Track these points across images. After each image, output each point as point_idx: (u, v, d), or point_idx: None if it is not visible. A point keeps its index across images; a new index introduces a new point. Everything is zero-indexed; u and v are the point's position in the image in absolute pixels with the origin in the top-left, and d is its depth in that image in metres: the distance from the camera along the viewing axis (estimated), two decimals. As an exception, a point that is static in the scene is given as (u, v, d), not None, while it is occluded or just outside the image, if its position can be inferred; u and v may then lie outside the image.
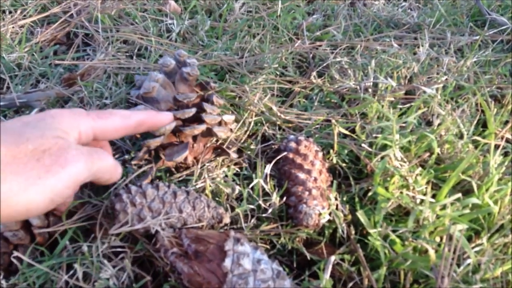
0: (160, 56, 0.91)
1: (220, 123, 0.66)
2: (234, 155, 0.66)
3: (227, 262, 0.49)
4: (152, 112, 0.59)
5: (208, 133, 0.65)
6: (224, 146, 0.68)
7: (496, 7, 1.07)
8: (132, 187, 0.57)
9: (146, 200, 0.56)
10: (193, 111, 0.63)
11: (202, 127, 0.63)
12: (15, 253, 0.52)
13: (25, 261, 0.52)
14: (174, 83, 0.68)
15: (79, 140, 0.48)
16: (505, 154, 0.69)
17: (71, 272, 0.53)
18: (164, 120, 0.59)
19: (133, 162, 0.64)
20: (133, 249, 0.56)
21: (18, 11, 1.02)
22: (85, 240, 0.57)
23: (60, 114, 0.47)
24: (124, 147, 0.70)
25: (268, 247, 0.60)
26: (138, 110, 0.59)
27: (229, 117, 0.67)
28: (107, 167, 0.50)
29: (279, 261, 0.60)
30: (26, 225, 0.55)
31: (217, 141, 0.70)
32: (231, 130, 0.71)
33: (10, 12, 1.03)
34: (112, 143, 0.68)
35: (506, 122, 0.74)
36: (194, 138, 0.65)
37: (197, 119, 0.64)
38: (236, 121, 0.73)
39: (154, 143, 0.61)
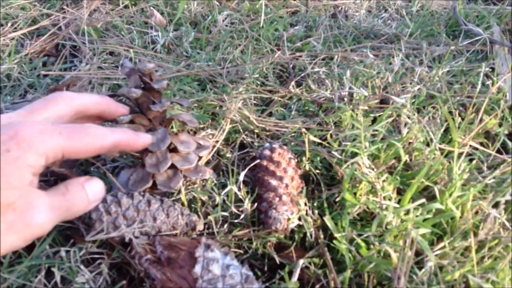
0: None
1: (196, 166, 0.66)
2: (210, 175, 0.67)
3: (197, 268, 0.52)
4: (130, 133, 0.54)
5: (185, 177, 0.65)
6: (204, 159, 0.70)
7: (473, 17, 1.10)
8: (107, 196, 0.58)
9: (121, 209, 0.58)
10: (168, 164, 0.61)
11: (180, 181, 0.63)
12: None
13: (5, 263, 0.55)
14: (144, 112, 0.63)
15: (46, 162, 0.45)
16: (472, 161, 0.72)
17: (50, 275, 0.56)
18: (141, 143, 0.56)
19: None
20: (110, 256, 0.58)
21: (9, 24, 1.05)
22: (64, 245, 0.59)
23: (30, 137, 0.43)
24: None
25: (241, 251, 0.62)
26: (117, 129, 0.53)
27: (205, 152, 0.67)
28: (82, 205, 0.49)
29: (252, 265, 0.62)
30: None
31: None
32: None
33: (1, 25, 1.06)
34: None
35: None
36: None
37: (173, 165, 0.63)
38: (215, 128, 0.75)
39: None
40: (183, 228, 0.60)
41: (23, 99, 0.85)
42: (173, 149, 0.64)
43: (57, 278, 0.55)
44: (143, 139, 0.56)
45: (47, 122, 0.47)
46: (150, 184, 0.62)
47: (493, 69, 0.91)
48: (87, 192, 0.49)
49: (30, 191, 0.43)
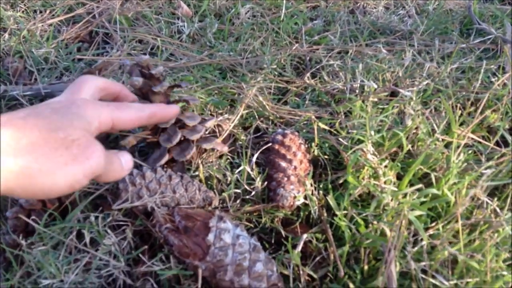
0: (171, 54, 1.00)
1: (205, 134, 0.73)
2: (224, 149, 0.75)
3: (210, 237, 0.58)
4: (162, 105, 0.65)
5: (197, 146, 0.72)
6: (219, 140, 0.77)
7: (488, 17, 1.13)
8: (133, 170, 0.65)
9: (145, 181, 0.64)
10: (179, 137, 0.68)
11: (193, 150, 0.69)
12: (33, 217, 0.62)
13: (41, 224, 0.62)
14: (148, 95, 0.70)
15: (99, 128, 0.53)
16: (474, 153, 0.76)
17: (80, 237, 0.63)
18: (172, 112, 0.65)
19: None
20: (134, 224, 0.65)
21: (47, 11, 1.13)
22: (93, 212, 0.66)
23: (85, 104, 0.51)
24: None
25: (252, 225, 0.68)
26: (151, 104, 0.66)
27: (210, 123, 0.74)
28: (117, 170, 0.55)
29: (261, 238, 0.68)
30: None
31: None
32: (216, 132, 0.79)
33: (40, 12, 1.14)
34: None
35: (479, 124, 0.82)
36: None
37: (183, 137, 0.70)
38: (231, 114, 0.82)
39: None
40: (200, 203, 0.67)
41: (59, 80, 0.92)
42: (181, 126, 0.71)
43: (87, 239, 0.62)
44: (173, 109, 0.66)
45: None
46: (167, 157, 0.69)
47: (503, 67, 0.94)
48: (120, 160, 0.55)
49: (90, 135, 0.50)
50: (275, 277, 0.58)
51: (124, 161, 0.56)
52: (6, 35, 1.04)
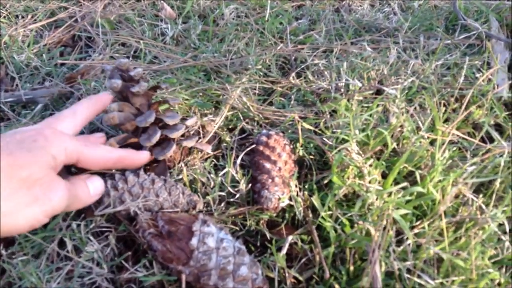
0: (155, 57, 0.99)
1: (186, 132, 0.73)
2: (207, 149, 0.74)
3: (194, 241, 0.57)
4: (131, 151, 0.65)
5: (178, 144, 0.71)
6: (204, 141, 0.76)
7: (473, 12, 1.13)
8: (116, 174, 0.65)
9: (127, 185, 0.63)
10: (158, 135, 0.67)
11: (172, 148, 0.69)
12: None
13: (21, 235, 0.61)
14: (128, 98, 0.70)
15: (65, 162, 0.53)
16: (459, 149, 0.76)
17: (62, 246, 0.62)
18: (141, 159, 0.65)
19: None
20: (117, 230, 0.64)
21: (29, 16, 1.12)
22: (75, 219, 0.65)
23: (52, 136, 0.52)
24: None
25: (237, 228, 0.68)
26: (121, 148, 0.65)
27: (191, 121, 0.74)
28: (83, 199, 0.56)
29: (247, 241, 0.68)
30: None
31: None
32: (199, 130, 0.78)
33: (22, 17, 1.13)
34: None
35: (464, 120, 0.81)
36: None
37: (164, 135, 0.69)
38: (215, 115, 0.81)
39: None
40: (184, 206, 0.66)
41: (41, 86, 0.91)
42: (162, 126, 0.71)
43: (69, 247, 0.61)
44: (143, 156, 0.66)
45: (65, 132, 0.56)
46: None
47: (488, 63, 0.94)
48: (88, 188, 0.57)
49: (53, 173, 0.50)
50: (260, 280, 0.57)
51: (93, 188, 0.57)
52: (-13, 41, 1.03)
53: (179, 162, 0.73)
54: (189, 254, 0.57)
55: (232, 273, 0.56)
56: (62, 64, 0.98)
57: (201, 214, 0.63)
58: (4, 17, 1.11)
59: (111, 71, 0.70)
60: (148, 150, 0.68)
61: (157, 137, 0.67)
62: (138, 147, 0.69)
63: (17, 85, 0.92)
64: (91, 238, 0.62)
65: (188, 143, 0.72)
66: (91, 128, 0.80)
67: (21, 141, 0.49)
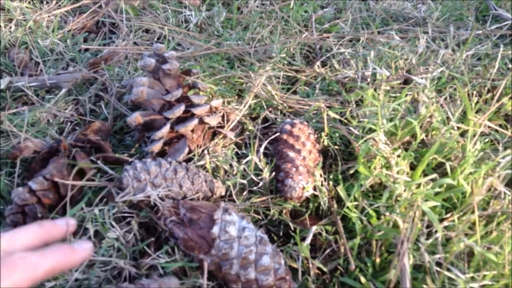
0: (178, 44, 0.99)
1: (210, 111, 0.72)
2: (230, 135, 0.73)
3: (215, 229, 0.56)
4: (64, 249, 0.46)
5: (201, 122, 0.71)
6: (227, 128, 0.75)
7: (504, 2, 1.09)
8: (137, 163, 0.63)
9: (150, 177, 0.63)
10: (182, 108, 0.68)
11: (194, 121, 0.69)
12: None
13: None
14: (160, 79, 0.72)
15: None
16: (491, 141, 0.73)
17: (85, 230, 0.61)
18: (80, 257, 0.47)
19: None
20: (139, 215, 0.63)
21: (54, 2, 1.12)
22: (97, 205, 0.64)
23: None
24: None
25: (260, 218, 0.66)
26: (48, 251, 0.45)
27: (216, 102, 0.73)
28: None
29: (269, 231, 0.67)
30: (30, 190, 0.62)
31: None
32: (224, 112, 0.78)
33: (47, 2, 1.13)
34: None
35: (496, 112, 0.78)
36: (192, 129, 0.71)
37: (188, 111, 0.69)
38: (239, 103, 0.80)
39: (156, 147, 0.68)
40: (207, 194, 0.65)
41: (65, 71, 0.91)
42: (188, 105, 0.71)
43: (91, 232, 0.60)
44: (80, 253, 0.48)
45: None
46: (168, 128, 0.69)
47: (521, 53, 0.91)
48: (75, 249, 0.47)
49: None
50: (282, 270, 0.56)
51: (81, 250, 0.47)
52: (12, 26, 1.03)
53: (201, 147, 0.72)
54: (211, 242, 0.56)
55: (254, 263, 0.55)
56: (86, 50, 0.98)
57: (222, 202, 0.62)
58: (29, 2, 1.11)
59: (149, 55, 0.72)
60: (170, 124, 0.68)
61: (180, 110, 0.68)
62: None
63: (41, 70, 0.91)
64: (114, 223, 0.61)
65: (211, 121, 0.71)
66: (114, 113, 0.79)
67: None
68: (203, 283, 0.55)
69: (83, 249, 0.48)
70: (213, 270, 0.56)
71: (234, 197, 0.66)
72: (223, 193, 0.66)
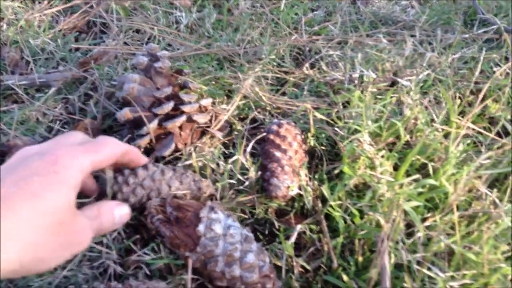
0: (169, 44, 0.99)
1: (199, 109, 0.73)
2: (219, 135, 0.74)
3: (201, 227, 0.57)
4: (136, 148, 0.62)
5: (190, 120, 0.72)
6: (214, 128, 0.76)
7: (492, 7, 1.11)
8: (125, 170, 0.63)
9: (138, 179, 0.63)
10: (171, 105, 0.69)
11: (183, 118, 0.69)
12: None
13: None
14: (151, 77, 0.74)
15: (82, 180, 0.49)
16: (474, 143, 0.75)
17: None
18: (142, 159, 0.63)
19: None
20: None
21: (46, 1, 1.12)
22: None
23: (65, 160, 0.46)
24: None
25: (246, 216, 0.67)
26: (125, 144, 0.59)
27: (206, 101, 0.74)
28: (107, 228, 0.53)
29: (255, 229, 0.67)
30: None
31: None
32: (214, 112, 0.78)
33: (39, 2, 1.13)
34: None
35: (480, 114, 0.80)
36: (180, 127, 0.72)
37: (177, 109, 0.70)
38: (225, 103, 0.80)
39: (143, 142, 0.69)
40: (195, 193, 0.65)
41: (55, 70, 0.91)
42: (178, 103, 0.71)
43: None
44: (143, 158, 0.63)
45: (73, 144, 0.51)
46: (156, 123, 0.69)
47: (506, 57, 0.92)
48: (115, 216, 0.54)
49: (76, 213, 0.48)
50: (267, 268, 0.57)
51: (119, 217, 0.55)
52: (4, 25, 1.03)
53: (189, 145, 0.72)
54: (196, 240, 0.57)
55: (239, 260, 0.55)
56: (76, 49, 0.98)
57: (208, 201, 0.62)
58: (21, 1, 1.12)
59: (142, 55, 0.74)
60: (158, 120, 0.69)
61: (169, 106, 0.69)
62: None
63: (31, 69, 0.92)
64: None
65: (199, 118, 0.72)
66: (103, 112, 0.80)
67: (36, 173, 0.44)
68: (187, 279, 0.56)
69: (146, 159, 0.64)
70: (198, 267, 0.57)
71: (218, 197, 0.66)
72: (212, 192, 0.67)
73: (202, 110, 0.74)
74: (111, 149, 0.54)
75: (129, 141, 0.73)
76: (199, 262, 0.56)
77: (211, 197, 0.68)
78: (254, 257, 0.56)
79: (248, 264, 0.55)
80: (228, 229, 0.58)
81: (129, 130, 0.73)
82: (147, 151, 0.71)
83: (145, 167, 0.63)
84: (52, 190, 0.44)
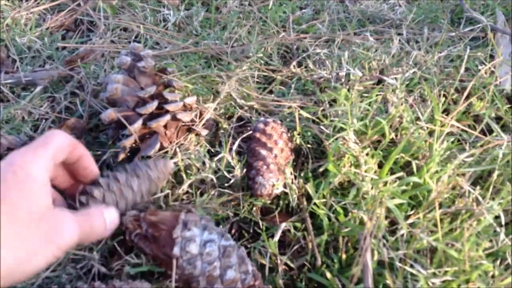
0: (156, 43, 0.99)
1: (184, 108, 0.73)
2: (204, 132, 0.74)
3: (176, 250, 0.55)
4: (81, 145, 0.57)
5: (174, 119, 0.71)
6: (199, 126, 0.76)
7: (479, 6, 1.11)
8: (81, 198, 0.59)
9: (99, 199, 0.59)
10: (155, 104, 0.69)
11: (167, 117, 0.69)
12: None
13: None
14: (135, 77, 0.73)
15: (47, 175, 0.48)
16: (458, 141, 0.75)
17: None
18: (91, 163, 0.59)
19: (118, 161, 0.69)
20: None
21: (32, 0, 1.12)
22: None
23: (23, 164, 0.46)
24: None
25: (231, 214, 0.67)
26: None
27: (190, 99, 0.73)
28: (98, 232, 0.52)
29: (240, 227, 0.68)
30: None
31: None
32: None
33: (26, 0, 1.13)
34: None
35: (465, 112, 0.80)
36: (165, 125, 0.72)
37: (162, 108, 0.70)
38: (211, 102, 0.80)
39: (128, 142, 0.68)
40: (160, 176, 0.63)
41: (42, 68, 0.91)
42: (162, 102, 0.71)
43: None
44: (90, 156, 0.59)
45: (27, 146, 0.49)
46: (140, 122, 0.68)
47: (491, 56, 0.93)
48: (105, 220, 0.53)
49: (55, 208, 0.47)
50: (250, 278, 0.55)
51: (109, 220, 0.54)
52: (-10, 23, 1.03)
53: (174, 144, 0.72)
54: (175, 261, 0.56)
55: (219, 278, 0.55)
56: (63, 48, 0.98)
57: (182, 213, 0.59)
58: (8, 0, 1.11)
59: (125, 53, 0.74)
60: (143, 120, 0.68)
61: (153, 106, 0.68)
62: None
63: (17, 67, 0.91)
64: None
65: (184, 117, 0.72)
66: (89, 111, 0.80)
67: (12, 182, 0.43)
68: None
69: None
70: (182, 285, 0.56)
71: (195, 198, 0.66)
72: (171, 170, 0.65)
73: (186, 108, 0.74)
74: (59, 139, 0.52)
75: (114, 142, 0.73)
76: (182, 282, 0.56)
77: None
78: (235, 272, 0.55)
79: (230, 281, 0.54)
80: (205, 246, 0.56)
81: (114, 130, 0.72)
82: (133, 151, 0.71)
83: (97, 183, 0.60)
84: (22, 192, 0.43)
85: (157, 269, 0.59)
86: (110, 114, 0.68)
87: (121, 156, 0.69)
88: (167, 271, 0.57)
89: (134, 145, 0.70)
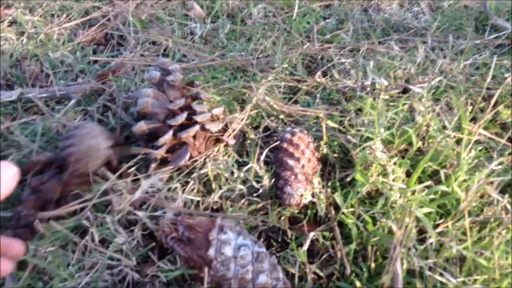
0: (184, 55, 1.02)
1: (212, 118, 0.75)
2: (231, 142, 0.76)
3: (211, 252, 0.57)
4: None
5: (203, 129, 0.74)
6: (227, 136, 0.77)
7: (504, 13, 1.11)
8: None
9: None
10: (184, 116, 0.71)
11: (196, 128, 0.71)
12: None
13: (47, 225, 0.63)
14: (164, 90, 0.76)
15: None
16: (486, 149, 0.75)
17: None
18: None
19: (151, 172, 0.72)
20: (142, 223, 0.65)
21: (64, 15, 1.16)
22: (103, 211, 0.67)
23: None
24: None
25: (260, 224, 0.69)
26: None
27: (218, 110, 0.76)
28: None
29: (269, 236, 0.69)
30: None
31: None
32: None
33: (57, 16, 1.17)
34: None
35: (492, 120, 0.80)
36: (194, 136, 0.74)
37: (190, 119, 0.72)
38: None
39: (159, 153, 0.71)
40: None
41: (74, 82, 0.94)
42: (191, 114, 0.73)
43: (96, 238, 0.63)
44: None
45: None
46: (170, 134, 0.71)
47: (519, 62, 0.93)
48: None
49: None
50: (281, 285, 0.57)
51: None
52: (24, 39, 1.07)
53: (202, 154, 0.74)
54: (209, 263, 0.57)
55: (251, 281, 0.56)
56: (94, 62, 1.01)
57: (218, 218, 0.62)
58: (41, 15, 1.16)
59: (154, 69, 0.77)
60: (173, 131, 0.71)
61: (182, 117, 0.71)
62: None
63: (51, 81, 0.95)
64: (120, 229, 0.63)
65: (212, 127, 0.74)
66: (121, 123, 0.82)
67: None
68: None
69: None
70: (213, 287, 0.58)
71: (226, 206, 0.68)
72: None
73: (214, 119, 0.76)
74: None
75: (145, 153, 0.75)
76: (214, 283, 0.57)
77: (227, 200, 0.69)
78: (267, 277, 0.56)
79: (261, 285, 0.56)
80: (239, 250, 0.58)
81: (145, 142, 0.75)
82: (163, 162, 0.73)
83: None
84: None
85: (189, 272, 0.60)
86: (141, 126, 0.71)
87: (153, 166, 0.71)
88: (199, 274, 0.58)
89: (164, 155, 0.72)
